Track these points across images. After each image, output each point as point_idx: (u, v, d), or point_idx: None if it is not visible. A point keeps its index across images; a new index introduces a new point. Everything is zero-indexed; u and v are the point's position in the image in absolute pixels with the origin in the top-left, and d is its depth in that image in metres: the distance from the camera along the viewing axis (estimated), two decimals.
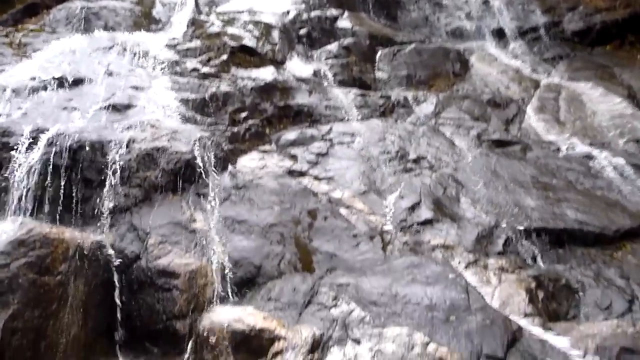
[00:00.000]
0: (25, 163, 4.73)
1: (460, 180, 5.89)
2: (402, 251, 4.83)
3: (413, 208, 5.42)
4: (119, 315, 4.34)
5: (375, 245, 4.89)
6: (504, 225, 5.22)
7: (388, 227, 5.16)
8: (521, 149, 6.60)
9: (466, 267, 4.80)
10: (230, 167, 5.55)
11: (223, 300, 4.36)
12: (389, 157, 6.19)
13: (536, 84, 8.04)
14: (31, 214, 4.61)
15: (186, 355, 4.15)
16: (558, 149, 6.51)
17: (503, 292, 4.53)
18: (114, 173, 4.93)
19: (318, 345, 3.87)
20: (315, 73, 7.70)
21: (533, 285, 4.62)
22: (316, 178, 5.80)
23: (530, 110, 7.44)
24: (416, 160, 6.20)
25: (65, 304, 4.19)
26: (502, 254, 4.98)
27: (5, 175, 4.73)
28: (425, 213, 5.36)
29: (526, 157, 6.42)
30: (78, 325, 4.23)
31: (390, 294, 4.25)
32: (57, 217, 4.66)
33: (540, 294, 4.54)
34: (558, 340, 4.03)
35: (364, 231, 5.02)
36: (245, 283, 4.48)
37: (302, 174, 5.83)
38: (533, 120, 7.23)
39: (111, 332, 4.34)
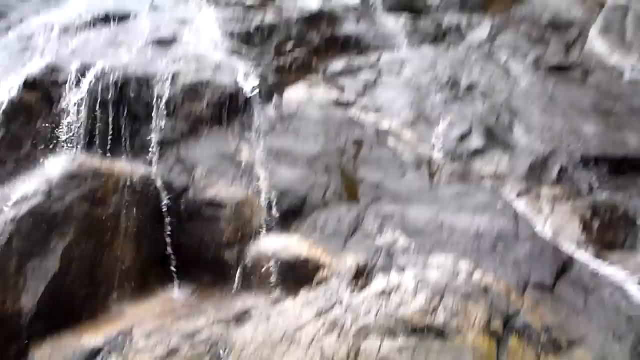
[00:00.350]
0: (74, 99, 4.81)
1: (514, 107, 5.65)
2: (449, 180, 4.72)
3: (463, 137, 5.27)
4: (169, 245, 4.45)
5: (422, 174, 4.80)
6: (559, 153, 5.02)
7: (437, 156, 5.04)
8: (582, 73, 6.25)
9: (517, 196, 4.67)
10: (275, 99, 5.50)
11: (270, 230, 4.40)
12: (439, 86, 5.98)
13: (601, 4, 7.48)
14: (83, 149, 4.72)
15: (235, 283, 4.24)
16: (622, 74, 6.11)
17: (555, 221, 4.39)
18: (160, 107, 4.97)
19: (362, 273, 3.89)
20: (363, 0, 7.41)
21: (588, 214, 4.46)
22: (364, 108, 5.68)
23: (593, 32, 6.97)
24: (468, 88, 5.97)
25: (118, 235, 4.33)
26: (556, 183, 4.81)
27: (57, 111, 4.84)
28: (476, 142, 5.20)
29: (587, 82, 6.08)
30: (132, 255, 4.38)
31: (437, 223, 4.19)
32: (108, 151, 4.75)
33: (596, 224, 4.38)
34: (612, 270, 3.91)
35: (411, 160, 4.92)
36: (291, 213, 4.49)
37: (349, 104, 5.72)
38: (596, 43, 6.79)
39: (164, 261, 4.46)
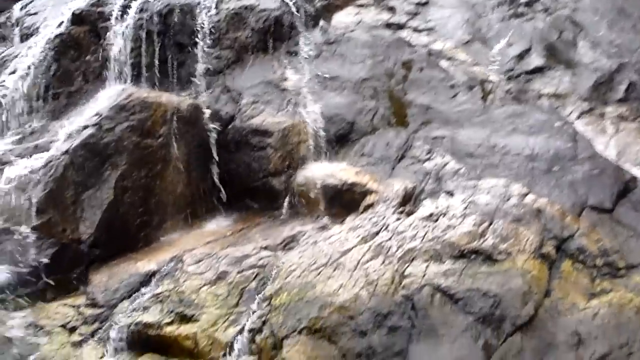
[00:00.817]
0: (120, 31, 4.83)
1: (579, 22, 5.23)
2: (503, 100, 4.47)
3: (522, 55, 4.94)
4: (218, 174, 4.50)
5: (474, 95, 4.56)
6: (628, 69, 4.66)
7: (492, 77, 4.77)
8: None
9: (579, 116, 4.38)
10: (321, 23, 5.31)
11: (317, 157, 4.36)
12: (497, 2, 5.59)
13: None
14: (131, 81, 4.77)
15: (283, 210, 4.26)
16: None
17: (620, 142, 4.13)
18: (204, 36, 4.91)
19: (410, 198, 3.81)
20: None
21: None
22: (415, 30, 5.40)
23: None
24: (528, 3, 5.55)
25: (168, 165, 4.40)
26: (622, 102, 4.49)
27: (105, 44, 4.88)
28: (535, 60, 4.88)
29: None
30: (183, 184, 4.46)
31: (488, 145, 4.02)
32: (155, 82, 4.79)
33: None
34: None
35: (463, 81, 4.67)
36: (339, 139, 4.42)
37: (400, 26, 5.45)
38: None
39: (213, 190, 4.53)
